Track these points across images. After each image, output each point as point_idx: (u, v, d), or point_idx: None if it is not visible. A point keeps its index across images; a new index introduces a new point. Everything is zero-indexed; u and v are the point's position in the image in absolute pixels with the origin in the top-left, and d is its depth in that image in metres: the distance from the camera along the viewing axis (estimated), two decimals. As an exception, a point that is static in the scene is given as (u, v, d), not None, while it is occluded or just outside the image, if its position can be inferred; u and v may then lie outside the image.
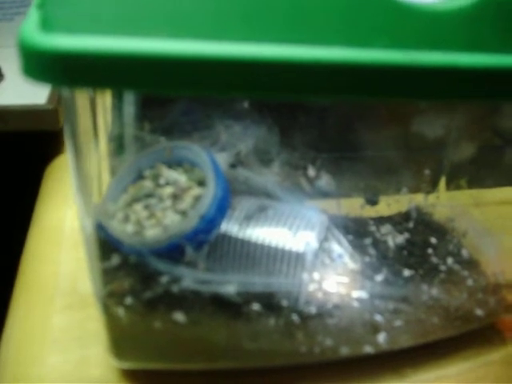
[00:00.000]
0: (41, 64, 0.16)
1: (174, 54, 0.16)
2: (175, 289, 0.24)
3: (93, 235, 0.24)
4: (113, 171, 0.28)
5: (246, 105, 0.28)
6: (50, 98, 0.43)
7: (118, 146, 0.27)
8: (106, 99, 0.26)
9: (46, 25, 0.16)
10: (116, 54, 0.16)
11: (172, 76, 0.16)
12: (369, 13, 0.17)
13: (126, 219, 0.25)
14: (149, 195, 0.26)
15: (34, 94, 0.43)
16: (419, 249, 0.31)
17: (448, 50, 0.17)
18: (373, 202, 0.32)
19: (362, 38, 0.17)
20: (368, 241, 0.30)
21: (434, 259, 0.30)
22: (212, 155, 0.26)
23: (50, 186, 0.41)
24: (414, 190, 0.33)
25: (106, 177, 0.27)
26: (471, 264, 0.31)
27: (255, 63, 0.16)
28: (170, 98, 0.27)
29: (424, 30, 0.17)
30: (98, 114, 0.24)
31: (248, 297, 0.25)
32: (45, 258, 0.34)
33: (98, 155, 0.26)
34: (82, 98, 0.22)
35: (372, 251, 0.30)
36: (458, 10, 0.18)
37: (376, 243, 0.30)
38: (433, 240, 0.31)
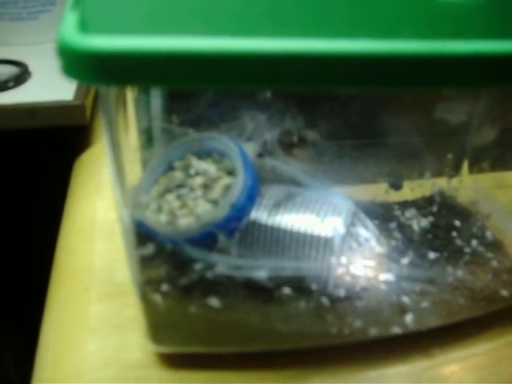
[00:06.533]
0: (81, 64, 0.17)
1: (212, 51, 0.17)
2: (209, 275, 0.25)
3: (130, 225, 0.25)
4: (144, 163, 0.28)
5: (269, 95, 0.28)
6: (77, 94, 0.44)
7: (147, 138, 0.28)
8: (136, 94, 0.27)
9: (84, 26, 0.17)
10: (151, 53, 0.17)
11: (211, 72, 0.17)
12: (393, 5, 0.18)
13: (159, 209, 0.26)
14: (180, 185, 0.27)
15: (61, 90, 0.44)
16: (444, 232, 0.31)
17: (470, 39, 0.18)
18: (397, 186, 0.32)
19: (386, 30, 0.18)
20: (393, 225, 0.31)
21: (459, 242, 0.31)
22: (240, 145, 0.27)
23: (79, 179, 0.42)
24: (438, 174, 0.33)
25: (138, 169, 0.28)
26: (495, 246, 0.31)
27: (281, 57, 0.17)
28: (197, 92, 0.28)
29: (446, 20, 0.18)
30: (129, 108, 0.25)
31: (279, 281, 0.26)
32: (78, 250, 0.35)
33: (131, 148, 0.26)
34: (115, 93, 0.23)
35: (398, 235, 0.30)
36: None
37: (401, 227, 0.31)
38: (457, 223, 0.32)
